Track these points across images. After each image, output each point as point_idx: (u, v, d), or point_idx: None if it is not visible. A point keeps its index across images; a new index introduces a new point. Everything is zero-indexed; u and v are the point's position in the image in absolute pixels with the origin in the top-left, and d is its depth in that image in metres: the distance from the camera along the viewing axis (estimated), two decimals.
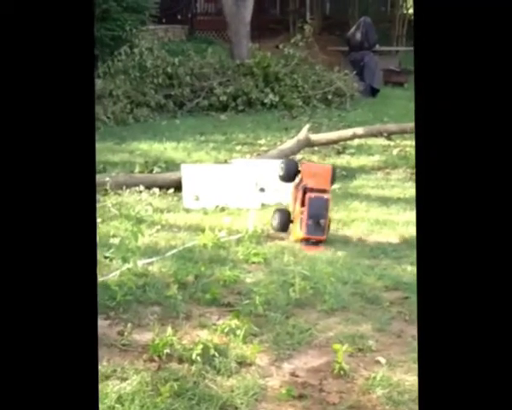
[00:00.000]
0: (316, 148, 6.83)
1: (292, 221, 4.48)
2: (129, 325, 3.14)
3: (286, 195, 4.92)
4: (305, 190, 4.38)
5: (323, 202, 4.33)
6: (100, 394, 2.60)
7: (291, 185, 4.64)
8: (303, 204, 4.35)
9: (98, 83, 8.70)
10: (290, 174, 4.55)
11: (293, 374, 2.84)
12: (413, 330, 3.11)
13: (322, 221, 4.29)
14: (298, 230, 4.37)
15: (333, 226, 4.63)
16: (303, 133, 6.61)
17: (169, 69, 9.31)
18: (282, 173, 4.57)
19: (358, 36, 11.14)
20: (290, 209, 4.57)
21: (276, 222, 4.51)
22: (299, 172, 4.56)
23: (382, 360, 2.93)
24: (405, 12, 14.38)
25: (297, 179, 4.57)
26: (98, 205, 4.99)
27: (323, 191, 4.39)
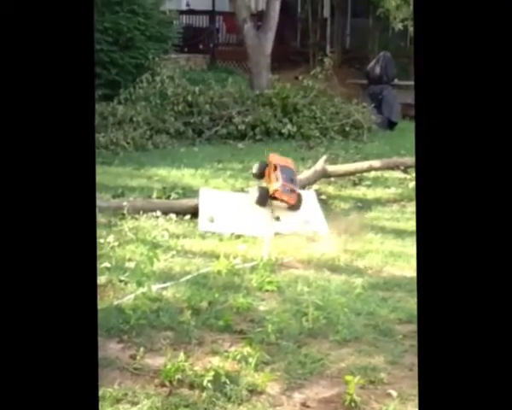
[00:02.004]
0: (332, 179, 6.85)
1: (271, 196, 5.38)
2: (141, 349, 3.15)
3: (301, 224, 5.11)
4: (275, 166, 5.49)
5: (291, 169, 5.54)
6: None
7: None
8: (275, 169, 5.41)
9: (119, 109, 8.84)
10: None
11: (303, 404, 2.83)
12: None
13: (293, 178, 5.41)
14: (274, 183, 5.32)
15: (347, 257, 4.66)
16: (320, 164, 6.64)
17: (189, 97, 9.42)
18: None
19: (378, 70, 11.21)
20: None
21: (256, 198, 5.34)
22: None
23: (394, 393, 2.91)
24: None
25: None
26: (115, 229, 5.05)
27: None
